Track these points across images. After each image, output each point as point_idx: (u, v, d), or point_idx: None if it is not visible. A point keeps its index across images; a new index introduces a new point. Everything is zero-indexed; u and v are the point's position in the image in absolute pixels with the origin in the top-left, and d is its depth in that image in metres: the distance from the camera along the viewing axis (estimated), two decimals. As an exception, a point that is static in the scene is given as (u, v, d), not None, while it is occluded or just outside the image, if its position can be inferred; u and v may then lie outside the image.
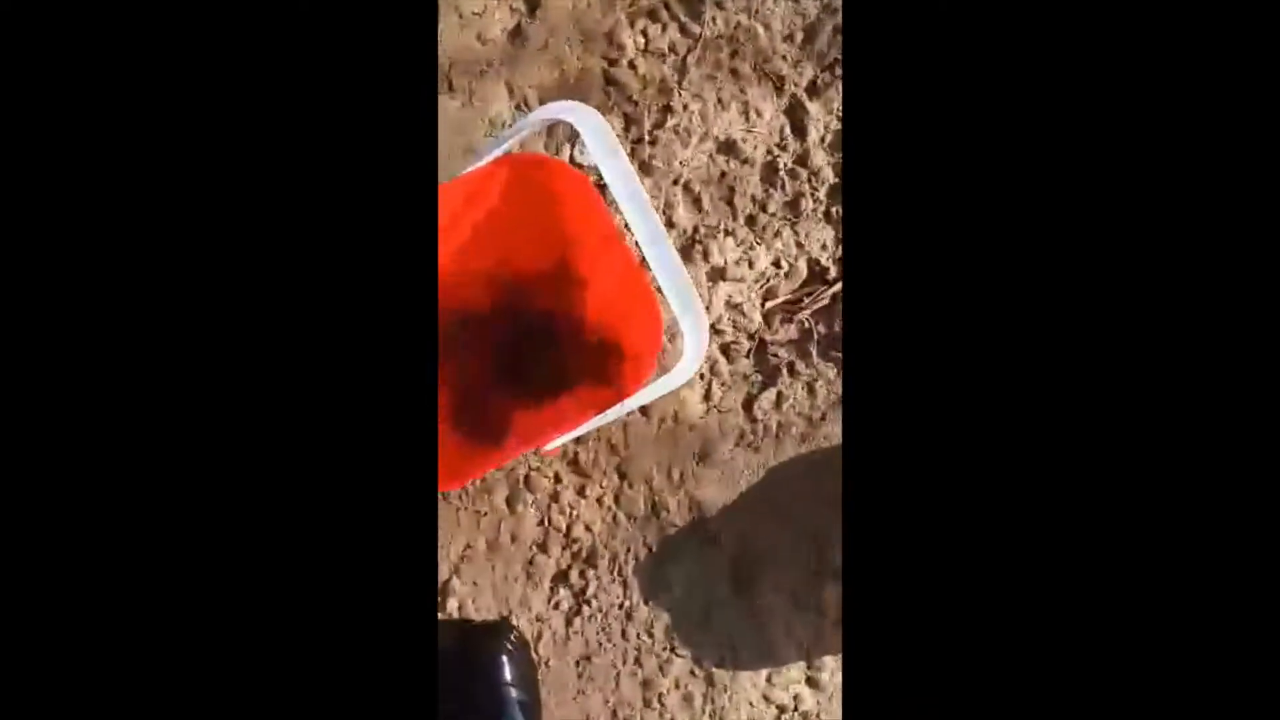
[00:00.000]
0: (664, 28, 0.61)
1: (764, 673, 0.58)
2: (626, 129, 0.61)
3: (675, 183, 0.60)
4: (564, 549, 0.58)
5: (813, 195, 0.59)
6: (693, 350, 0.44)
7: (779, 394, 0.58)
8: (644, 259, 0.44)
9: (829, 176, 0.59)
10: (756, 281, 0.59)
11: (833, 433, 0.58)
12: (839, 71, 0.59)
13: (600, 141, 0.44)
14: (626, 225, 0.44)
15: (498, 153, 0.49)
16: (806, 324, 0.59)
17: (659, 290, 0.44)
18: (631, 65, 0.61)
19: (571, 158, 0.60)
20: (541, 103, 0.60)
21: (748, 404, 0.59)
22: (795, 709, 0.59)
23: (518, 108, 0.61)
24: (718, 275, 0.59)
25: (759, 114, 0.60)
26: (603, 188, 0.52)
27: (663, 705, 0.58)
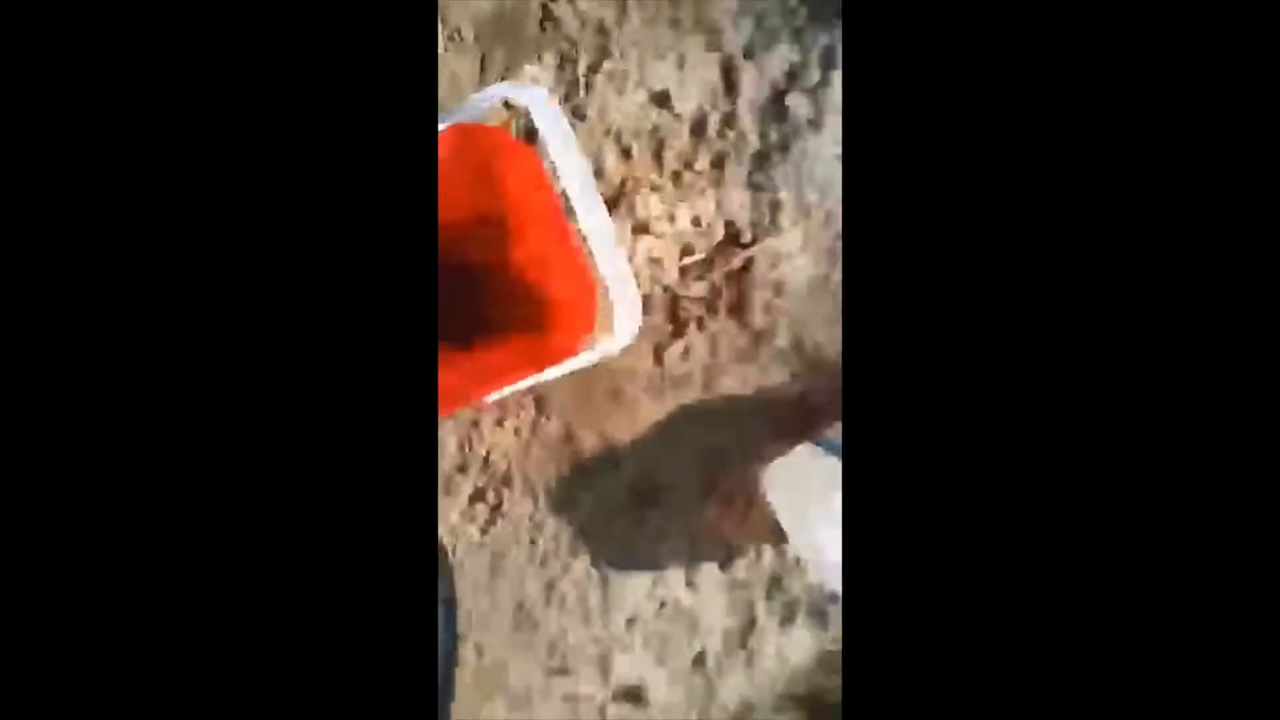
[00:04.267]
0: (607, -37, 0.58)
1: (650, 575, 0.68)
2: (560, 68, 0.60)
3: (606, 133, 0.61)
4: (481, 471, 0.65)
5: (736, 159, 0.61)
6: (625, 324, 0.48)
7: (686, 347, 0.64)
8: (583, 235, 0.47)
9: (754, 142, 0.61)
10: (675, 238, 0.62)
11: (730, 384, 0.64)
12: (782, 36, 0.59)
13: (551, 125, 0.46)
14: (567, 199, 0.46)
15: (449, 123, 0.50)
16: (717, 284, 0.63)
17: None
18: (571, 2, 0.59)
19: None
20: (477, 36, 0.59)
21: (657, 353, 0.64)
22: (676, 605, 0.69)
23: (450, 38, 0.59)
24: (641, 229, 0.62)
25: (692, 69, 0.60)
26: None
27: (563, 600, 0.68)
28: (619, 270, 0.49)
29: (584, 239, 0.49)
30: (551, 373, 0.53)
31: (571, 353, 0.53)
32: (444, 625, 0.62)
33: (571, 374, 0.61)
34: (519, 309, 0.56)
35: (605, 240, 0.49)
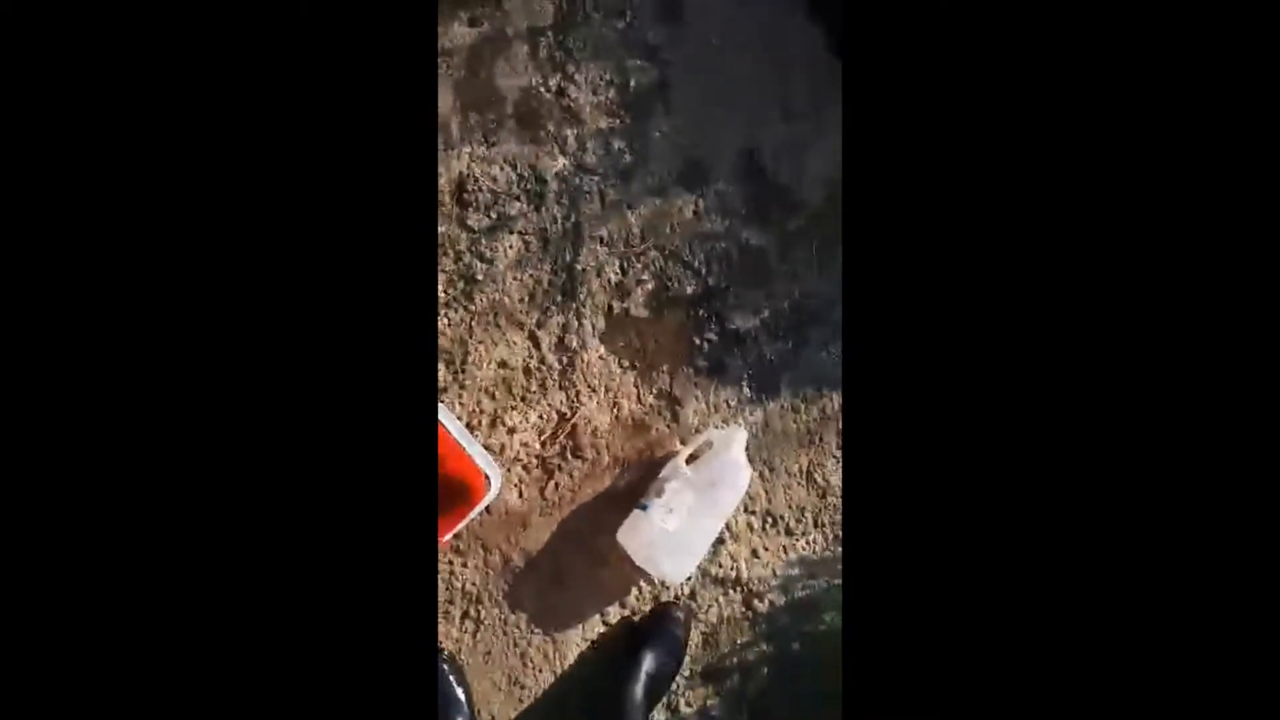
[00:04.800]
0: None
1: (580, 625, 1.12)
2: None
3: (480, 389, 1.12)
4: (462, 597, 1.07)
5: (563, 378, 1.14)
6: (494, 486, 0.97)
7: (556, 483, 1.12)
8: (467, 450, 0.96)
9: (556, 365, 1.14)
10: (534, 427, 1.13)
11: (586, 497, 1.13)
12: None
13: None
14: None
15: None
16: (563, 444, 1.13)
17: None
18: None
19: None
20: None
21: (541, 490, 1.12)
22: (604, 636, 1.13)
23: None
24: (511, 432, 1.12)
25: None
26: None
27: (535, 662, 1.09)
28: (483, 455, 0.99)
29: (465, 450, 0.98)
30: (473, 515, 0.99)
31: (476, 503, 1.00)
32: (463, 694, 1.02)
33: (489, 514, 1.07)
34: (441, 490, 1.02)
35: (473, 446, 0.98)
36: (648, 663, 1.03)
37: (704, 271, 1.20)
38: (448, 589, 1.07)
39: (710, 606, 1.13)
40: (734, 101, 1.27)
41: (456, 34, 1.19)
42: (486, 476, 0.96)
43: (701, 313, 1.19)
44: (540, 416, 1.12)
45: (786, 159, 1.27)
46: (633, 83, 1.24)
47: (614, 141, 1.21)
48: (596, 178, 1.20)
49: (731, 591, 1.13)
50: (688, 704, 1.10)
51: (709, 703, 1.10)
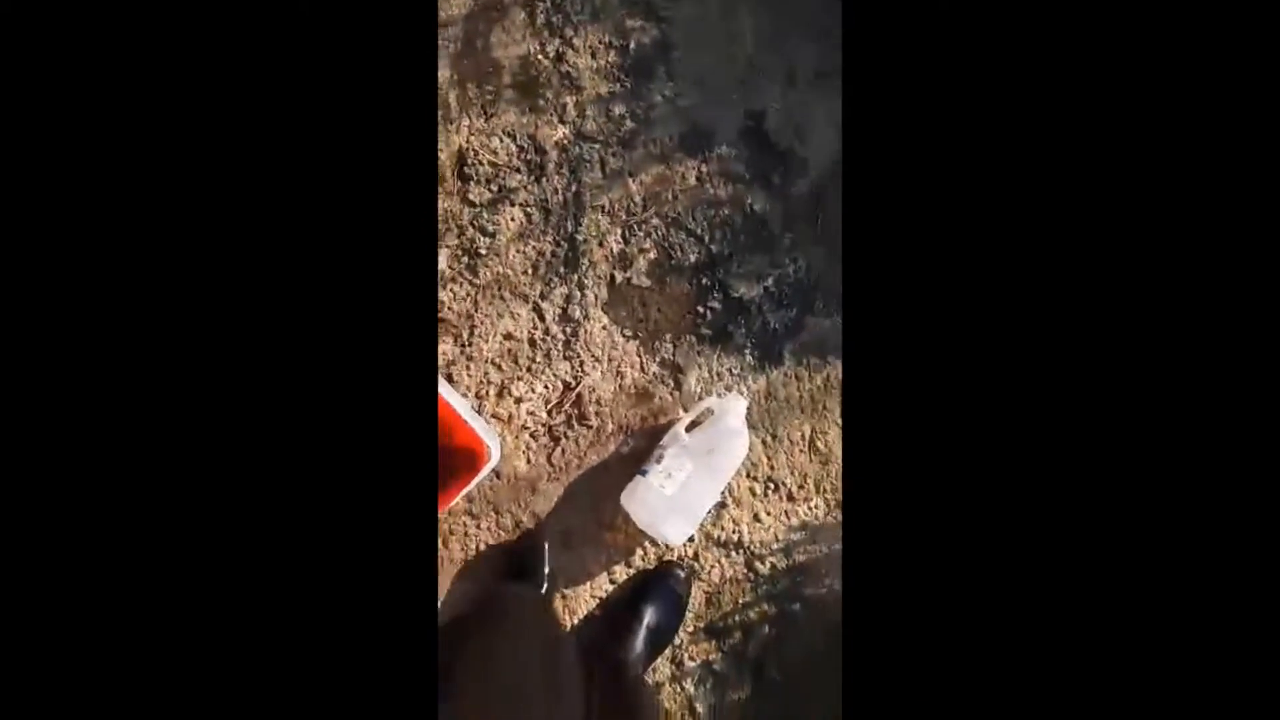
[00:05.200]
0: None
1: (589, 582, 1.16)
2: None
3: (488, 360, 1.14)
4: (463, 550, 1.12)
5: (566, 347, 1.16)
6: (494, 455, 1.00)
7: (562, 449, 1.16)
8: (466, 420, 0.99)
9: (560, 336, 1.16)
10: (540, 396, 1.15)
11: (592, 458, 1.16)
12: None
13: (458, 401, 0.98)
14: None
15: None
16: (568, 412, 1.16)
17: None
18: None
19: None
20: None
21: (549, 457, 1.15)
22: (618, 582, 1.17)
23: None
24: (518, 402, 1.15)
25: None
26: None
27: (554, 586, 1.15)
28: (484, 427, 1.02)
29: (467, 421, 1.01)
30: (476, 481, 1.03)
31: (479, 471, 1.04)
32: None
33: (499, 478, 1.11)
34: (447, 459, 1.05)
35: (474, 418, 1.01)
36: (649, 616, 1.07)
37: (707, 239, 1.20)
38: (463, 549, 1.12)
39: (713, 567, 1.16)
40: (737, 63, 1.25)
41: (453, 3, 1.18)
42: (488, 446, 0.99)
43: (704, 281, 1.19)
44: (546, 386, 1.15)
45: (791, 123, 1.25)
46: (633, 45, 1.22)
47: (615, 107, 1.20)
48: (597, 145, 1.19)
49: (734, 554, 1.17)
50: (690, 658, 1.15)
51: (711, 657, 1.15)
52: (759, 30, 1.27)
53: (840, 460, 1.19)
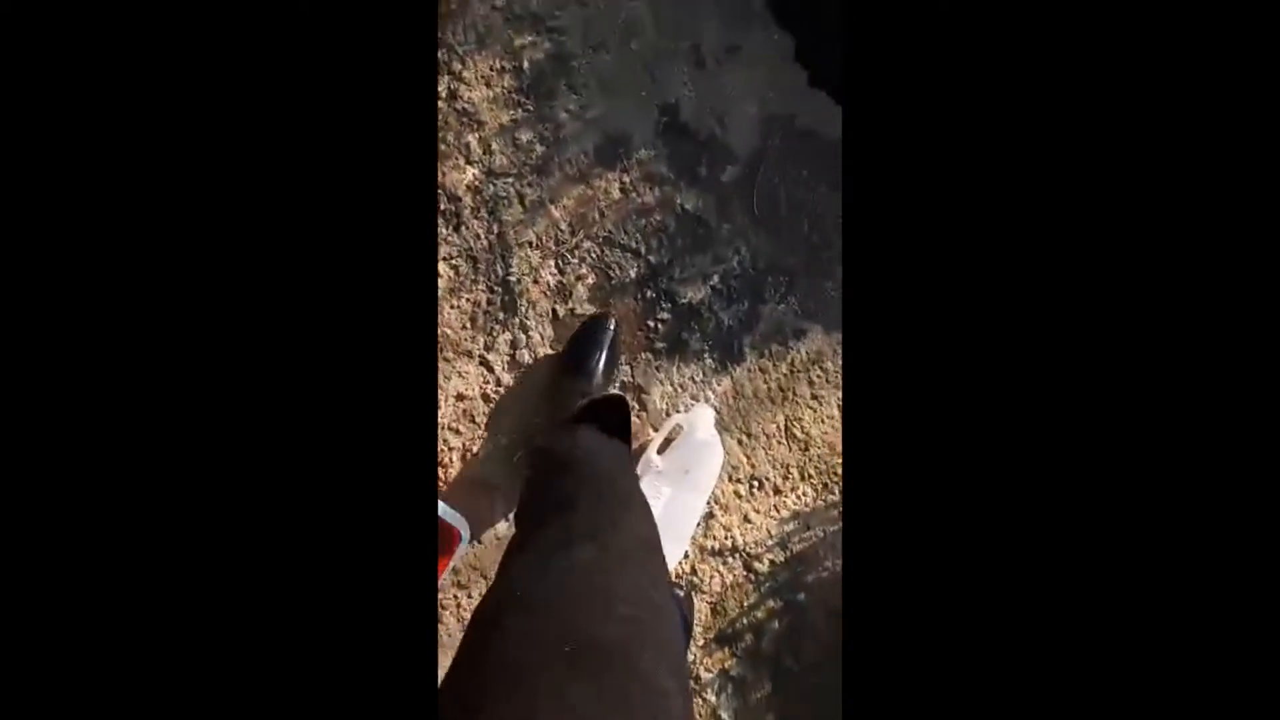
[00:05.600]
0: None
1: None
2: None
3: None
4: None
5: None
6: (465, 535, 0.99)
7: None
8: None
9: (512, 385, 1.14)
10: (505, 449, 1.14)
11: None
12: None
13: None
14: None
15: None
16: (538, 456, 1.15)
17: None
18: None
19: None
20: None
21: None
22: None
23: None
24: (487, 460, 1.13)
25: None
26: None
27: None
28: (446, 510, 1.01)
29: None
30: (455, 560, 1.03)
31: (453, 554, 1.03)
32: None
33: (480, 543, 1.11)
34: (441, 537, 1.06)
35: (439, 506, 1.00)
36: (659, 644, 1.08)
37: (643, 251, 1.17)
38: (459, 621, 1.13)
39: (712, 577, 1.16)
40: (640, 56, 1.19)
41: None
42: (456, 529, 0.99)
43: (649, 294, 1.16)
44: (508, 440, 1.14)
45: (707, 108, 1.19)
46: (526, 64, 1.16)
47: (521, 135, 1.16)
48: (511, 180, 1.15)
49: (730, 559, 1.17)
50: (706, 670, 1.16)
51: (727, 664, 1.16)
52: (656, 15, 1.20)
53: (820, 441, 1.17)
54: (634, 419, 1.15)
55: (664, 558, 0.66)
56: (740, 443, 1.17)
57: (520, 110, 1.16)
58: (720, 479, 1.14)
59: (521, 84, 1.16)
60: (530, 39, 1.17)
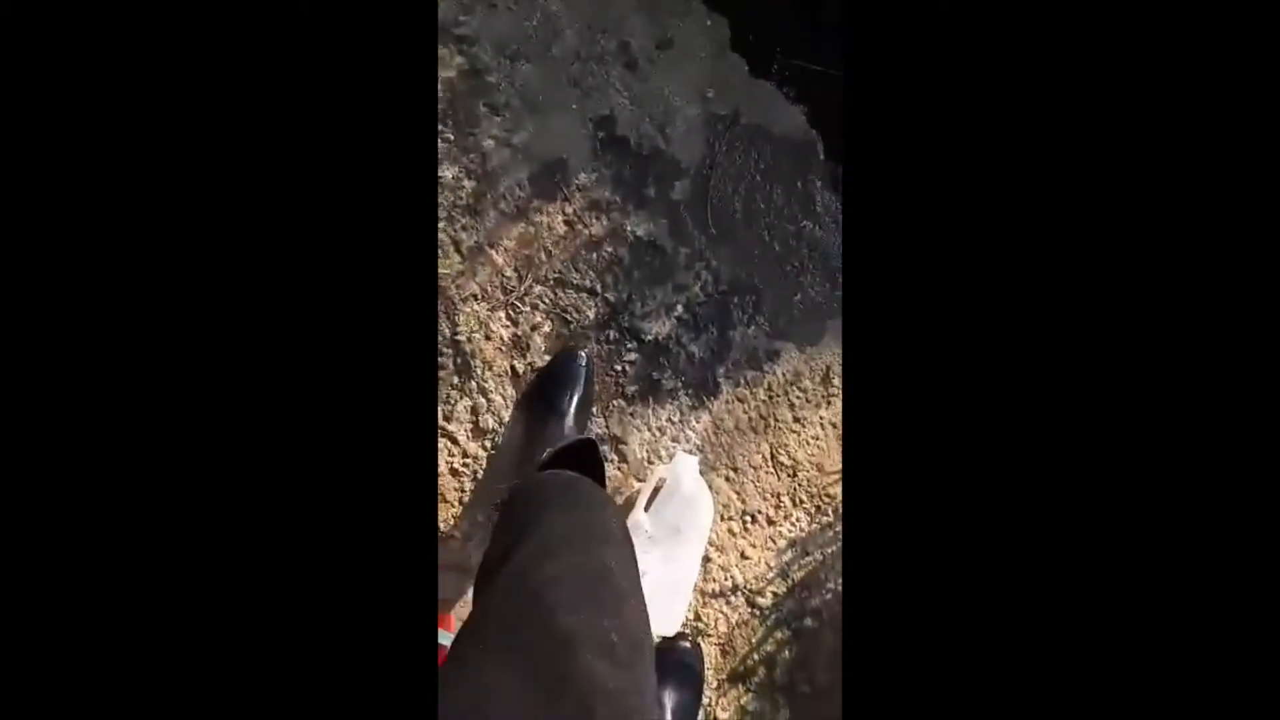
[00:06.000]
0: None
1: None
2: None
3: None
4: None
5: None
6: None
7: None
8: None
9: (480, 453, 1.02)
10: (482, 525, 1.03)
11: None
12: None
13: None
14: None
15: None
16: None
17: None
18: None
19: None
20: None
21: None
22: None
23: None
24: (466, 539, 1.02)
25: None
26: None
27: None
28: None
29: None
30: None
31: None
32: None
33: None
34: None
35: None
36: (669, 701, 1.03)
37: (599, 288, 1.06)
38: None
39: (717, 620, 1.12)
40: (563, 63, 1.05)
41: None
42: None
43: (612, 334, 1.06)
44: (484, 517, 1.03)
45: (645, 116, 1.07)
46: (440, 85, 1.00)
47: (445, 171, 1.00)
48: (441, 225, 1.00)
49: (733, 598, 1.12)
50: (723, 709, 1.13)
51: (743, 701, 1.13)
52: (576, 17, 1.05)
53: (808, 465, 1.12)
54: (615, 471, 1.07)
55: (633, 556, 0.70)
56: (728, 479, 1.10)
57: (440, 142, 1.00)
58: (714, 519, 1.08)
59: (440, 114, 1.00)
60: (440, 51, 1.00)
